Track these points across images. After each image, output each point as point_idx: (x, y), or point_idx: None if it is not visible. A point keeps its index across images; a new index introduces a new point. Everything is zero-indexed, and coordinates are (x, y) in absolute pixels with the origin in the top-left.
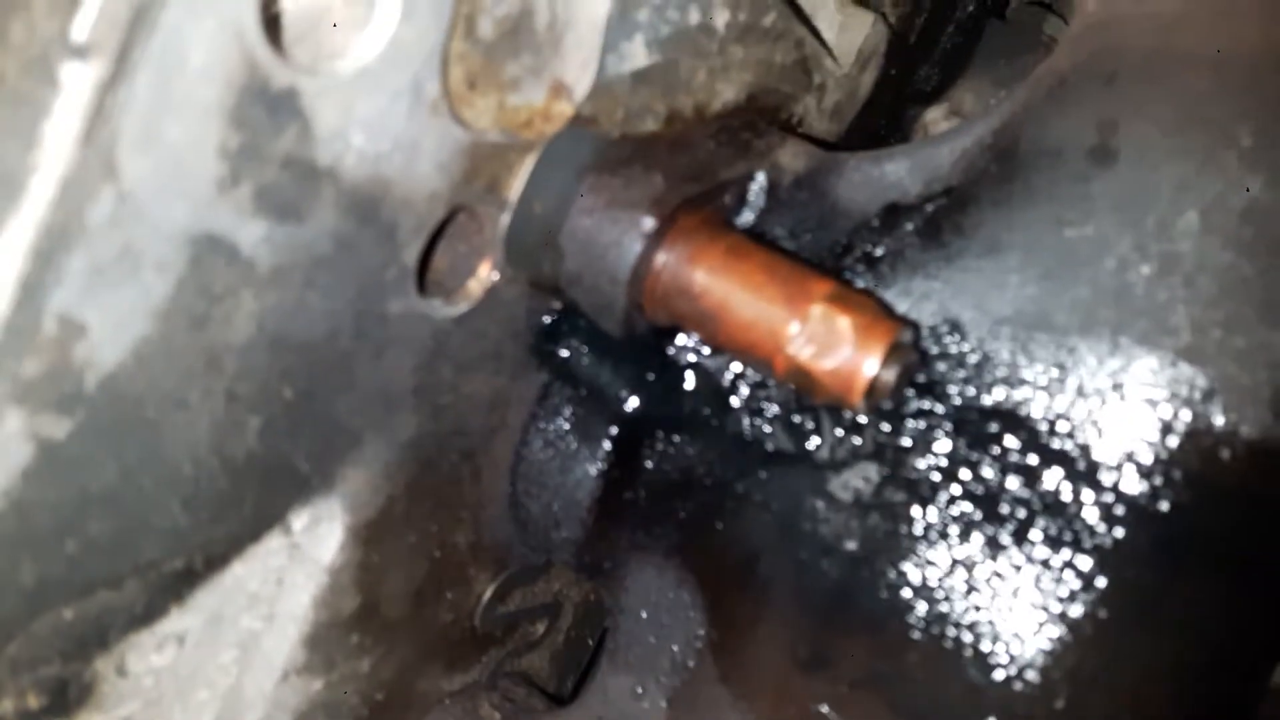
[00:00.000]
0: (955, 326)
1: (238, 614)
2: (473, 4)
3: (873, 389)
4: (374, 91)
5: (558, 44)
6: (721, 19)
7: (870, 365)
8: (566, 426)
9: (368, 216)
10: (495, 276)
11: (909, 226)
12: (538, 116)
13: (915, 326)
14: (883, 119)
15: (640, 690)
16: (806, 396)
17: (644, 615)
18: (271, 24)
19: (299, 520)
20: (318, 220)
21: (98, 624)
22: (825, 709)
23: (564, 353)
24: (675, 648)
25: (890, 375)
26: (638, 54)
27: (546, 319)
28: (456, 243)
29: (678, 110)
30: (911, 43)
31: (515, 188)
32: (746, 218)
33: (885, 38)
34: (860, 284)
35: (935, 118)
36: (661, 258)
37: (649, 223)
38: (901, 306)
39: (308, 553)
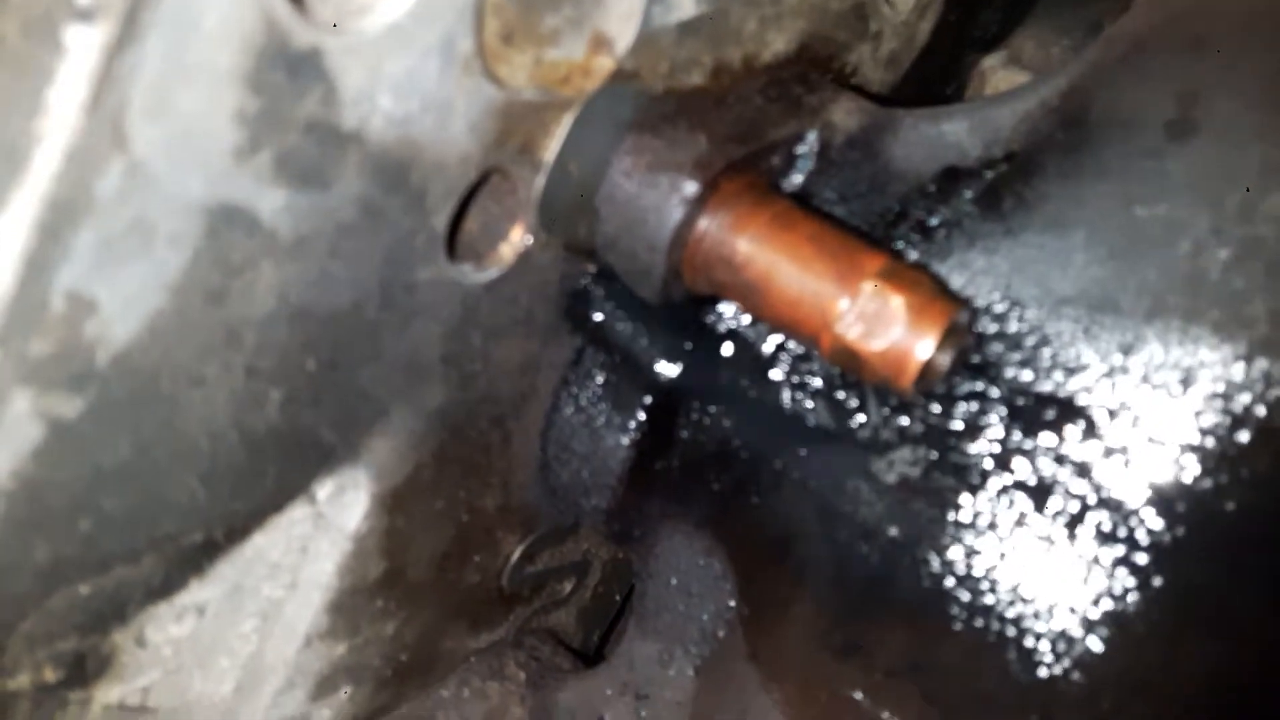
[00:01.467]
0: (1014, 305)
1: (259, 583)
2: None
3: (925, 373)
4: (403, 50)
5: None
6: None
7: (924, 348)
8: (599, 393)
9: (396, 182)
10: (528, 240)
11: (967, 194)
12: (576, 72)
13: (972, 307)
14: (940, 66)
15: (667, 657)
16: (855, 376)
17: (673, 582)
18: None
19: (323, 490)
20: (343, 187)
21: (115, 598)
22: (858, 695)
23: (598, 317)
24: (705, 617)
25: (944, 359)
26: (685, 3)
27: (581, 282)
28: (488, 203)
29: (726, 62)
30: None
31: (551, 148)
32: (795, 180)
33: None
34: (914, 255)
35: (993, 65)
36: (703, 224)
37: (691, 187)
38: (957, 282)
39: (332, 521)
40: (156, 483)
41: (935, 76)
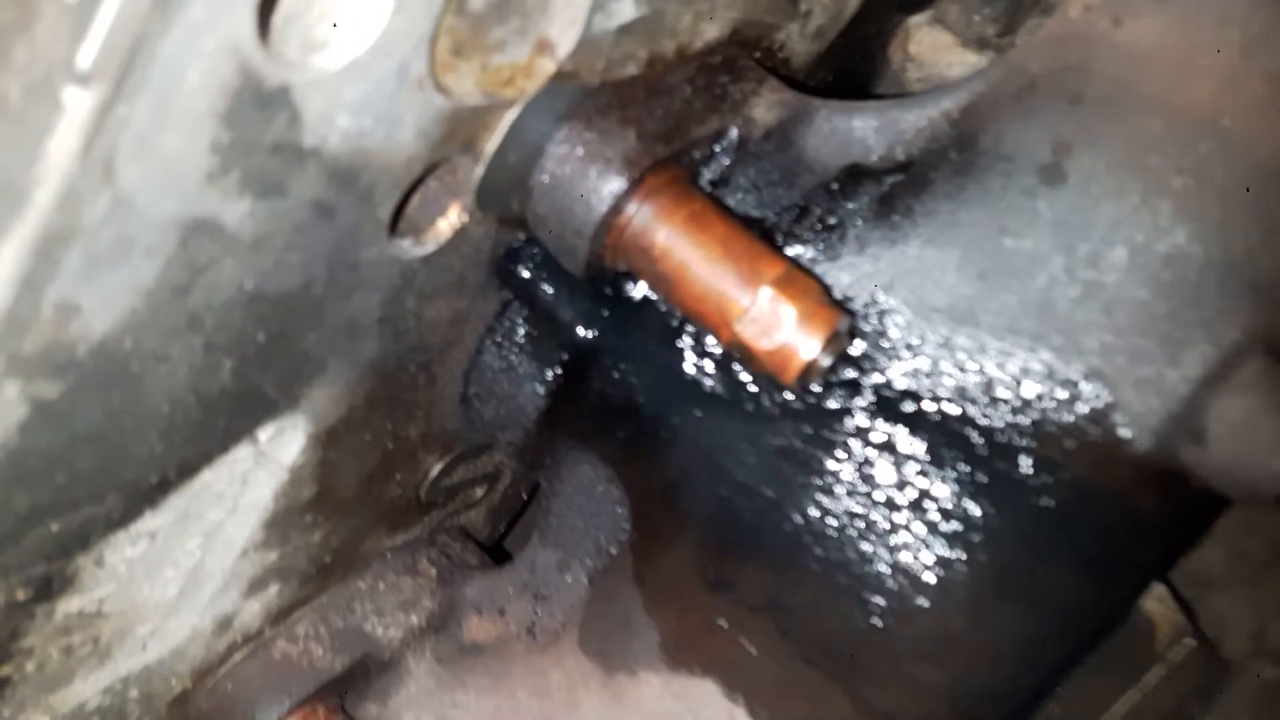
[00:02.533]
0: (890, 309)
1: (204, 509)
2: None
3: (806, 372)
4: (362, 79)
5: (546, 6)
6: None
7: (806, 352)
8: (520, 345)
9: (347, 184)
10: (465, 218)
11: (865, 198)
12: (520, 74)
13: (852, 315)
14: (865, 31)
15: (565, 566)
16: (745, 366)
17: (576, 502)
18: (265, 8)
19: (265, 433)
20: (299, 193)
21: (80, 531)
22: (723, 624)
23: (525, 274)
24: (601, 536)
25: (825, 360)
26: (625, 10)
27: (511, 244)
28: (430, 183)
29: (660, 53)
30: None
31: (492, 142)
32: (713, 169)
33: None
34: (810, 252)
35: (918, 23)
36: (626, 215)
37: (618, 183)
38: (844, 280)
39: (271, 457)
40: (122, 441)
41: (859, 39)
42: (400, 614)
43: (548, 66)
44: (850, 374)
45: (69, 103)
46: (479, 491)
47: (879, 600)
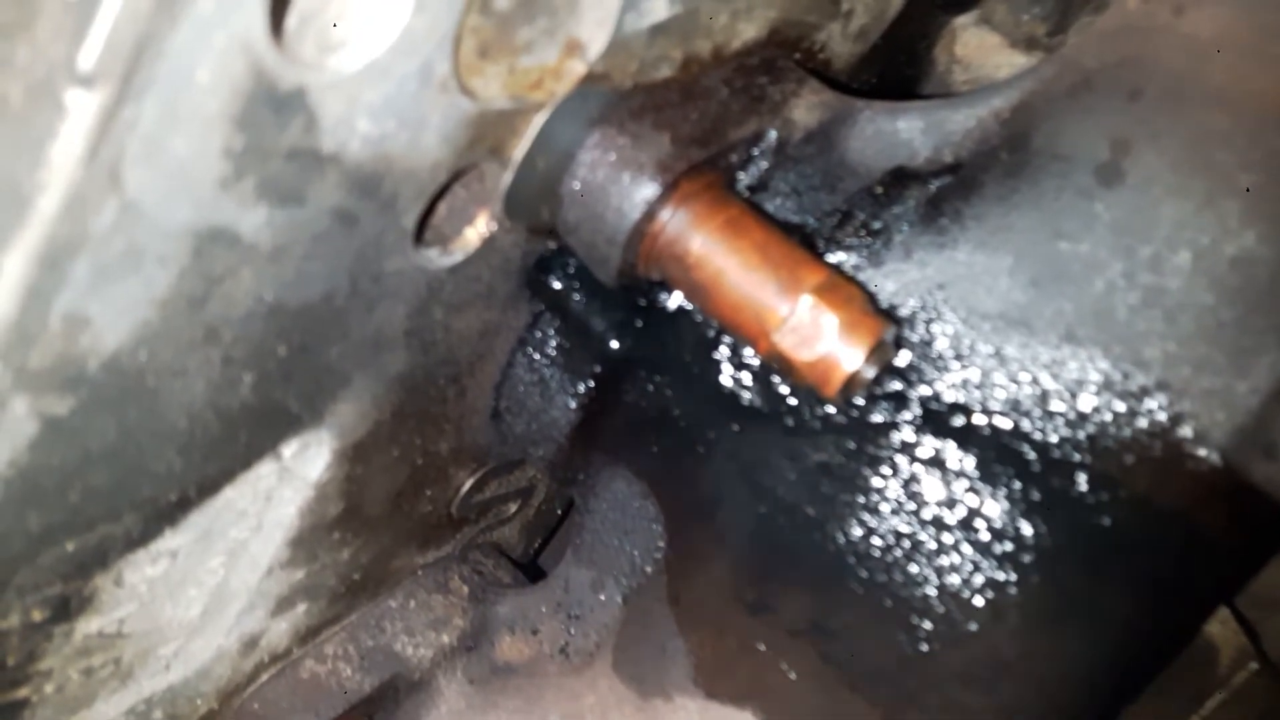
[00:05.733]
0: (937, 316)
1: (227, 527)
2: None
3: (849, 384)
4: (382, 80)
5: (574, 5)
6: None
7: (849, 363)
8: (552, 357)
9: (369, 191)
10: (493, 226)
11: (910, 202)
12: (549, 76)
13: (898, 324)
14: (910, 31)
15: (599, 585)
16: (784, 378)
17: (610, 518)
18: (278, 6)
19: (289, 448)
20: (319, 201)
21: (98, 550)
22: (762, 647)
23: (557, 285)
24: (636, 554)
25: (868, 373)
26: (658, 8)
27: (542, 253)
28: (457, 190)
29: (695, 54)
30: None
31: (521, 147)
32: (751, 174)
33: None
34: (854, 258)
35: (965, 23)
36: (660, 223)
37: (652, 189)
38: (889, 288)
39: (296, 473)
40: (139, 458)
41: (903, 41)
42: (431, 633)
43: (578, 68)
44: (896, 386)
45: (72, 105)
46: (512, 507)
47: (926, 624)
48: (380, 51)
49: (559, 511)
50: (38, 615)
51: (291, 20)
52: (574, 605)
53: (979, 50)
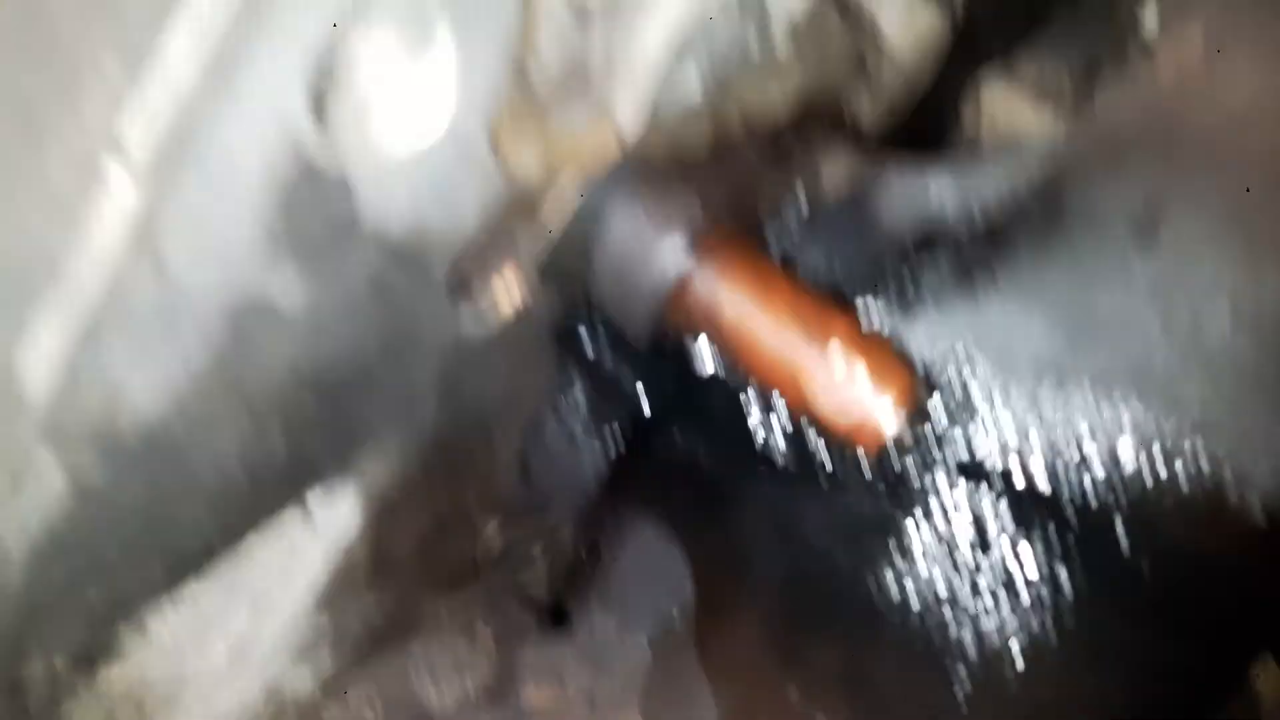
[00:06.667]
0: (973, 371)
1: (251, 577)
2: (525, 53)
3: (885, 443)
4: (423, 165)
5: (611, 87)
6: (780, 33)
7: (887, 424)
8: (581, 415)
9: (405, 263)
10: (526, 291)
11: (942, 260)
12: (585, 154)
13: (935, 388)
14: (938, 90)
15: (625, 633)
16: (819, 433)
17: (636, 566)
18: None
19: (315, 499)
20: (356, 273)
21: (120, 599)
22: (794, 698)
23: (587, 343)
24: (662, 601)
25: (907, 436)
26: (691, 86)
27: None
28: (489, 255)
29: (726, 124)
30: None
31: (554, 216)
32: (783, 235)
33: (950, 30)
34: (887, 317)
35: (991, 79)
36: (691, 287)
37: (684, 255)
38: (923, 345)
39: (320, 522)
40: (166, 511)
41: (930, 99)
42: (455, 678)
43: (612, 145)
44: (929, 437)
45: (114, 181)
46: (538, 552)
47: (962, 671)
48: (424, 144)
49: (584, 556)
50: (60, 663)
51: (334, 107)
52: (600, 653)
53: (1005, 107)
